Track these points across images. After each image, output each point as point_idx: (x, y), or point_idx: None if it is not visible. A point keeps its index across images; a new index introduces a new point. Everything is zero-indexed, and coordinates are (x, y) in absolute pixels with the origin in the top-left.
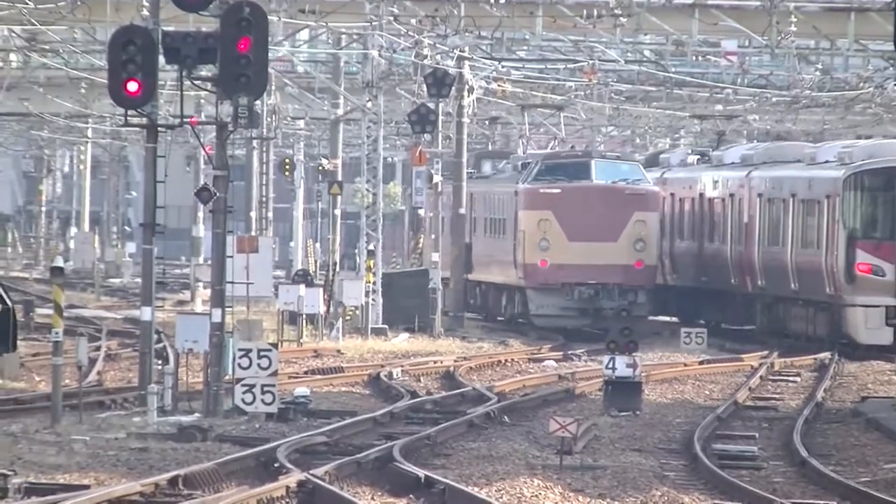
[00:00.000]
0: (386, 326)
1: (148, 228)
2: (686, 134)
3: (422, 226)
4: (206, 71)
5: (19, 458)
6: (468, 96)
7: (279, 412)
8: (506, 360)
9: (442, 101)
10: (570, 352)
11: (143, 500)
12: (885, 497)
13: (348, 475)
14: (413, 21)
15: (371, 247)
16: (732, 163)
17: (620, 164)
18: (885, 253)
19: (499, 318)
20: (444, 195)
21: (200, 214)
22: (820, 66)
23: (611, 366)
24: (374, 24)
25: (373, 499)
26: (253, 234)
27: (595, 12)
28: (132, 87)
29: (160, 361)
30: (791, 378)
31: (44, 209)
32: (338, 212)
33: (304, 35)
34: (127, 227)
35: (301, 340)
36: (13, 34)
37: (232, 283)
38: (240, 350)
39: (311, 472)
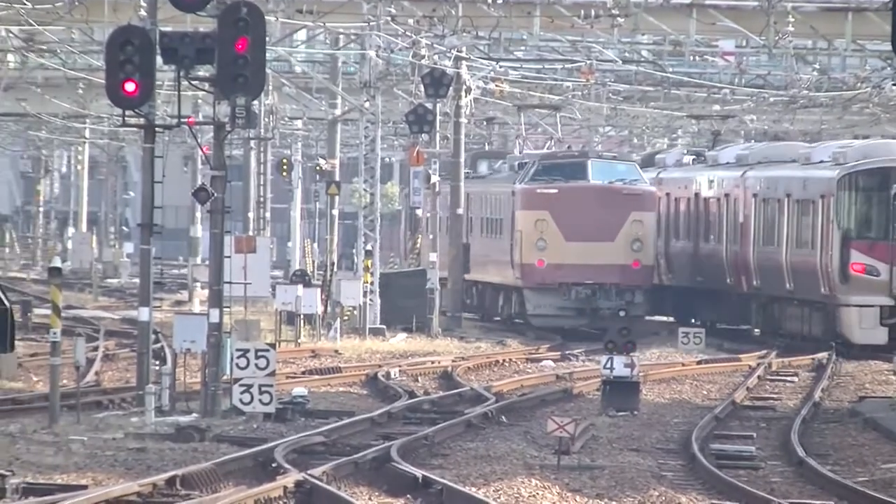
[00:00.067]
0: (384, 326)
1: (145, 229)
2: (683, 134)
3: (419, 226)
4: (203, 71)
5: (17, 458)
6: (466, 96)
7: (277, 412)
8: (503, 361)
9: (439, 102)
10: (567, 352)
11: (141, 501)
12: (882, 497)
13: (346, 475)
14: (410, 21)
15: (369, 247)
16: (728, 163)
17: (617, 164)
18: (880, 253)
19: (495, 319)
20: (442, 195)
21: (198, 214)
22: (817, 67)
23: (609, 366)
24: (371, 24)
25: (370, 499)
26: (250, 234)
27: (592, 12)
28: (130, 87)
29: (158, 362)
30: (789, 378)
31: (41, 209)
32: (335, 212)
33: (301, 35)
34: (125, 228)
35: (299, 341)
36: (11, 34)
37: (230, 283)
38: (237, 350)
39: (308, 472)
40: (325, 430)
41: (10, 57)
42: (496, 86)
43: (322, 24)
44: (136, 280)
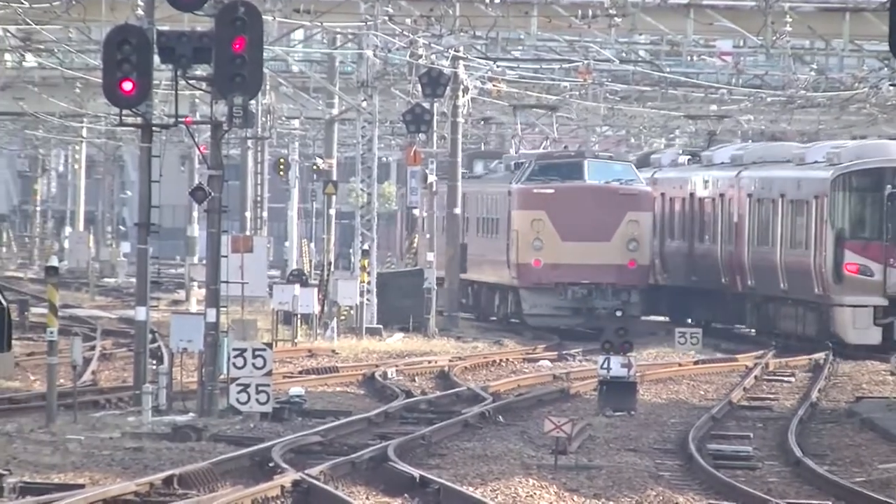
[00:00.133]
0: (381, 326)
1: (142, 228)
2: (681, 134)
3: (416, 226)
4: (200, 70)
5: (14, 457)
6: (463, 96)
7: (274, 412)
8: (500, 360)
9: (437, 101)
10: (564, 352)
11: (138, 500)
12: (879, 497)
13: (343, 475)
14: (408, 21)
15: (366, 246)
16: (722, 163)
17: (613, 164)
18: (873, 253)
19: (491, 318)
20: (439, 195)
21: (195, 214)
22: (815, 67)
23: (605, 366)
24: (368, 23)
25: (367, 499)
26: (248, 233)
27: (590, 12)
28: (127, 86)
29: (155, 361)
30: (786, 378)
31: (38, 209)
32: (332, 211)
33: (298, 35)
34: (122, 227)
35: (296, 340)
36: (8, 34)
37: (227, 282)
38: (234, 350)
39: (305, 471)
40: (322, 429)
41: (7, 56)
42: (493, 85)
43: (319, 24)
44: (133, 279)
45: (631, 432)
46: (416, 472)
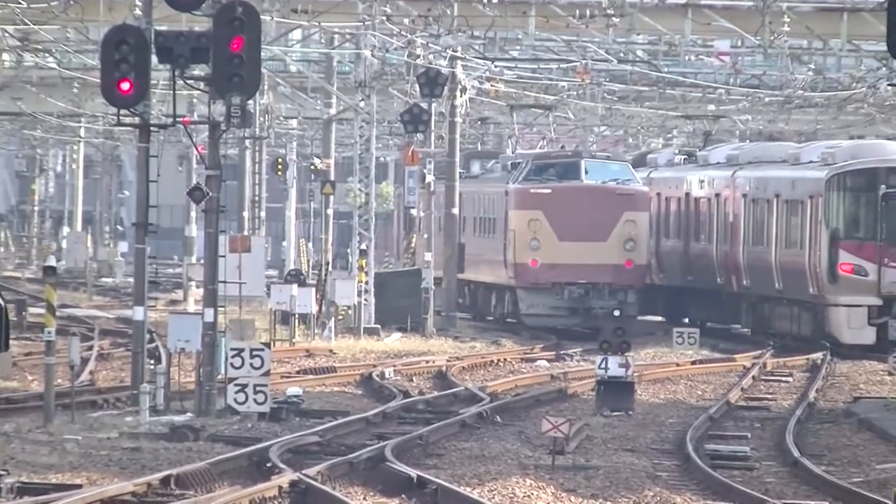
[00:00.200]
0: (378, 326)
1: (140, 228)
2: (679, 134)
3: (414, 225)
4: (198, 70)
5: (12, 457)
6: (461, 96)
7: (271, 412)
8: (498, 360)
9: (434, 101)
10: (562, 352)
11: (136, 500)
12: (877, 497)
13: (341, 475)
14: (406, 21)
15: (363, 246)
16: (718, 163)
17: (610, 164)
18: (868, 253)
19: (488, 318)
20: (437, 195)
21: (193, 214)
22: (812, 67)
23: (603, 366)
24: (366, 23)
25: (365, 499)
26: (245, 233)
27: (588, 12)
28: (125, 86)
29: (152, 361)
30: (783, 378)
31: (36, 209)
32: (330, 211)
33: (296, 35)
34: (119, 227)
35: (293, 340)
36: (6, 34)
37: (224, 282)
38: (232, 350)
39: (303, 471)
40: (320, 429)
41: (5, 56)
42: (491, 85)
43: (317, 24)
44: (131, 279)
45: (628, 432)
46: (413, 473)
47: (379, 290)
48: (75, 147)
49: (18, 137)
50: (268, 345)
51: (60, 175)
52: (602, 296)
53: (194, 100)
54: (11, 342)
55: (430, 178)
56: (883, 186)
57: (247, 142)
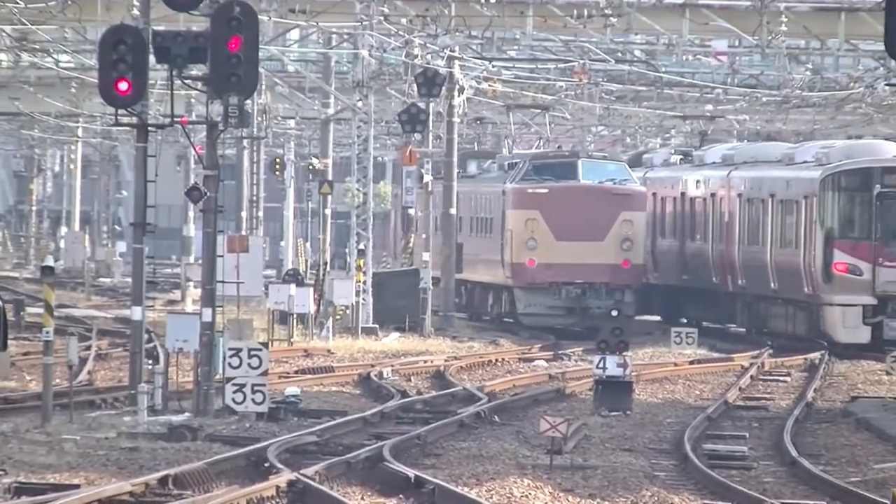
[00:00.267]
0: (376, 326)
1: (138, 228)
2: (676, 134)
3: (412, 225)
4: (196, 70)
5: (9, 457)
6: (458, 96)
7: (269, 412)
8: (496, 360)
9: (432, 101)
10: (560, 351)
11: (133, 500)
12: (874, 497)
13: (338, 475)
14: (403, 21)
15: (361, 246)
16: (713, 162)
17: (607, 163)
18: (862, 252)
19: (484, 318)
20: (435, 195)
21: (191, 214)
22: (810, 66)
23: (601, 365)
24: (364, 23)
25: (363, 499)
26: (243, 233)
27: (585, 12)
28: (122, 86)
29: (150, 361)
30: (781, 378)
31: (34, 208)
32: (328, 211)
33: (294, 34)
34: (117, 227)
35: (291, 340)
36: (3, 33)
37: (222, 282)
38: (230, 349)
39: (301, 471)
40: (318, 429)
41: (2, 56)
42: (489, 85)
43: (315, 24)
44: (129, 279)
45: (626, 432)
46: (411, 473)
47: (377, 290)
48: (73, 147)
49: (16, 137)
50: (266, 345)
51: (58, 175)
52: (599, 295)
53: (192, 100)
54: (9, 342)
55: (427, 177)
56: (877, 186)
57: (245, 142)
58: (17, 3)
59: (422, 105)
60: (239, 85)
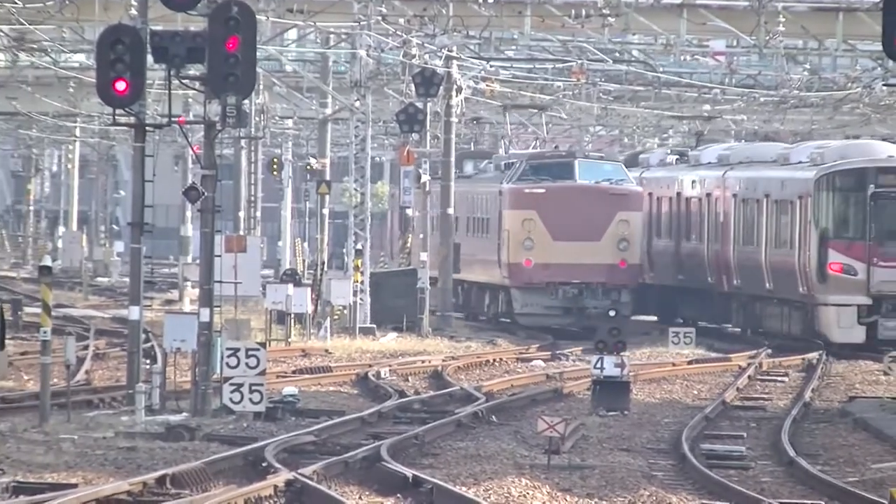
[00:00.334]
0: (374, 326)
1: (136, 227)
2: (674, 134)
3: (410, 225)
4: (194, 70)
5: (7, 457)
6: (456, 96)
7: (267, 411)
8: (494, 360)
9: (430, 101)
10: (558, 351)
11: (131, 500)
12: (872, 497)
13: (336, 475)
14: (401, 21)
15: (359, 246)
16: (709, 163)
17: (604, 164)
18: (857, 252)
19: (481, 318)
20: (432, 195)
21: (188, 214)
22: (808, 66)
23: (599, 365)
24: (362, 23)
25: (360, 498)
26: (241, 233)
27: (583, 12)
28: (120, 86)
29: (148, 361)
30: (779, 378)
31: (32, 208)
32: (326, 211)
33: (292, 34)
34: (115, 227)
35: (289, 340)
36: (1, 33)
37: (220, 282)
38: (228, 349)
39: (298, 471)
40: (316, 429)
41: (0, 56)
42: (487, 85)
43: (313, 24)
44: (127, 279)
45: (624, 432)
46: (409, 472)
47: (374, 290)
48: (71, 147)
49: (14, 137)
50: (263, 344)
51: (56, 175)
52: (596, 295)
53: (190, 99)
54: (7, 342)
55: (425, 177)
56: (872, 186)
57: (242, 142)
58: (15, 3)
59: (419, 105)
60: (237, 85)
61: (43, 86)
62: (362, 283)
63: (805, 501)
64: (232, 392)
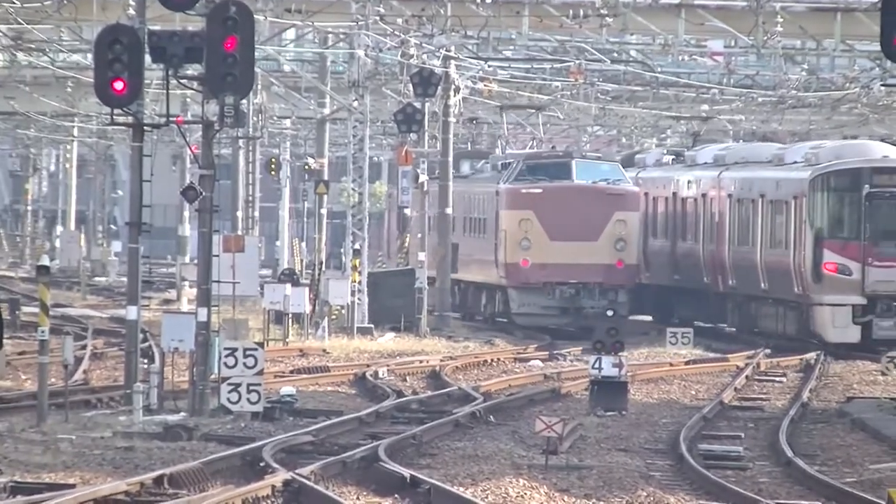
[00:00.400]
0: (372, 326)
1: (134, 227)
2: (672, 134)
3: (408, 225)
4: (192, 70)
5: (5, 457)
6: (454, 96)
7: (265, 411)
8: (492, 360)
9: (428, 101)
10: (556, 351)
11: (129, 500)
12: (870, 498)
13: (334, 475)
14: (399, 20)
15: (357, 246)
16: (705, 163)
17: (601, 164)
18: (852, 252)
19: (477, 318)
20: (430, 195)
21: (186, 213)
22: (806, 67)
23: (597, 366)
24: (360, 23)
25: (358, 498)
26: (239, 233)
27: (581, 12)
28: (118, 85)
29: (146, 360)
30: (777, 378)
31: (30, 208)
32: (324, 211)
33: (290, 34)
34: (113, 226)
35: (287, 340)
36: None
37: (218, 282)
38: (226, 349)
39: (296, 471)
40: (314, 429)
41: None
42: (485, 85)
43: (311, 24)
44: (125, 279)
45: (622, 432)
46: (406, 472)
47: (372, 290)
48: (69, 146)
49: (12, 137)
50: (261, 344)
51: (54, 174)
52: (593, 295)
53: (188, 99)
54: (5, 341)
55: (423, 177)
56: (866, 186)
57: (240, 141)
58: (13, 3)
59: (417, 105)
60: (235, 85)
61: (41, 85)
62: (360, 282)
63: (803, 502)
64: (230, 392)
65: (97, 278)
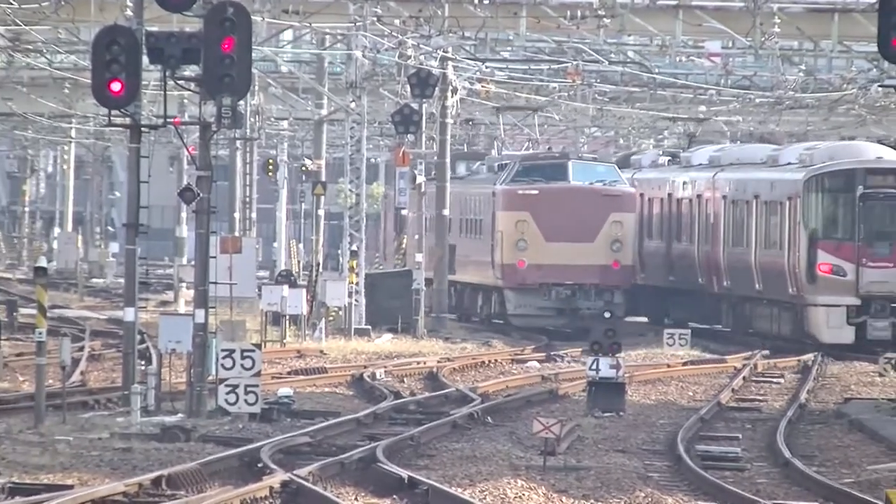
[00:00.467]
0: (369, 327)
1: (131, 228)
2: (670, 135)
3: (405, 226)
4: (189, 71)
5: (3, 458)
6: (452, 97)
7: (262, 412)
8: (489, 361)
9: (425, 102)
10: (553, 353)
11: (127, 501)
12: (868, 498)
13: (332, 476)
14: (397, 22)
15: (354, 247)
16: (700, 164)
17: (597, 165)
18: (846, 253)
19: (474, 319)
20: (427, 196)
21: (184, 215)
22: (803, 68)
23: (594, 367)
24: (357, 24)
25: (356, 499)
26: (236, 234)
27: (579, 13)
28: (116, 87)
29: (143, 362)
30: (774, 379)
31: (27, 209)
32: (321, 212)
33: (287, 35)
34: (110, 228)
35: (284, 341)
36: None
37: (215, 283)
38: (223, 350)
39: (294, 472)
40: (311, 430)
41: None
42: (482, 86)
43: (308, 25)
44: (122, 280)
45: (619, 433)
46: (404, 473)
47: (369, 291)
48: (66, 148)
49: (9, 138)
50: (259, 346)
51: (51, 176)
52: (589, 296)
53: (185, 100)
54: (2, 343)
55: (420, 179)
56: (860, 187)
57: (238, 143)
58: (11, 4)
59: (415, 106)
60: (232, 86)
61: (38, 86)
62: (357, 284)
63: (800, 503)
64: (227, 393)
65: (94, 280)
